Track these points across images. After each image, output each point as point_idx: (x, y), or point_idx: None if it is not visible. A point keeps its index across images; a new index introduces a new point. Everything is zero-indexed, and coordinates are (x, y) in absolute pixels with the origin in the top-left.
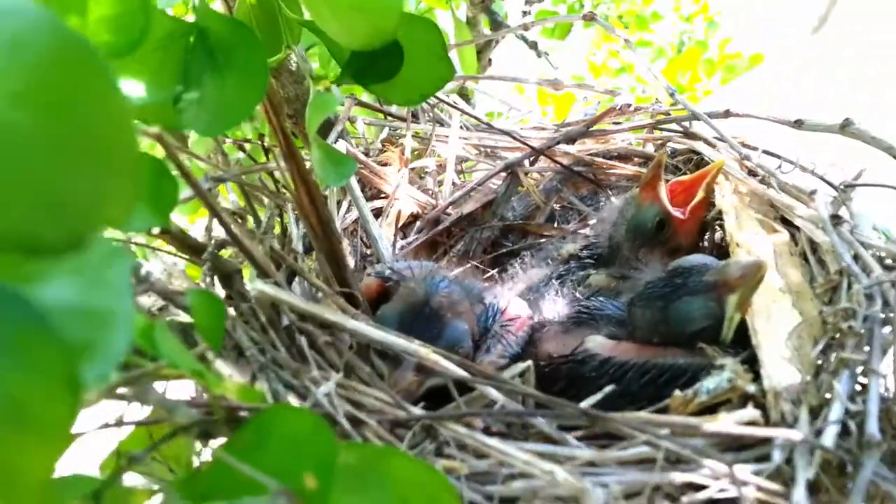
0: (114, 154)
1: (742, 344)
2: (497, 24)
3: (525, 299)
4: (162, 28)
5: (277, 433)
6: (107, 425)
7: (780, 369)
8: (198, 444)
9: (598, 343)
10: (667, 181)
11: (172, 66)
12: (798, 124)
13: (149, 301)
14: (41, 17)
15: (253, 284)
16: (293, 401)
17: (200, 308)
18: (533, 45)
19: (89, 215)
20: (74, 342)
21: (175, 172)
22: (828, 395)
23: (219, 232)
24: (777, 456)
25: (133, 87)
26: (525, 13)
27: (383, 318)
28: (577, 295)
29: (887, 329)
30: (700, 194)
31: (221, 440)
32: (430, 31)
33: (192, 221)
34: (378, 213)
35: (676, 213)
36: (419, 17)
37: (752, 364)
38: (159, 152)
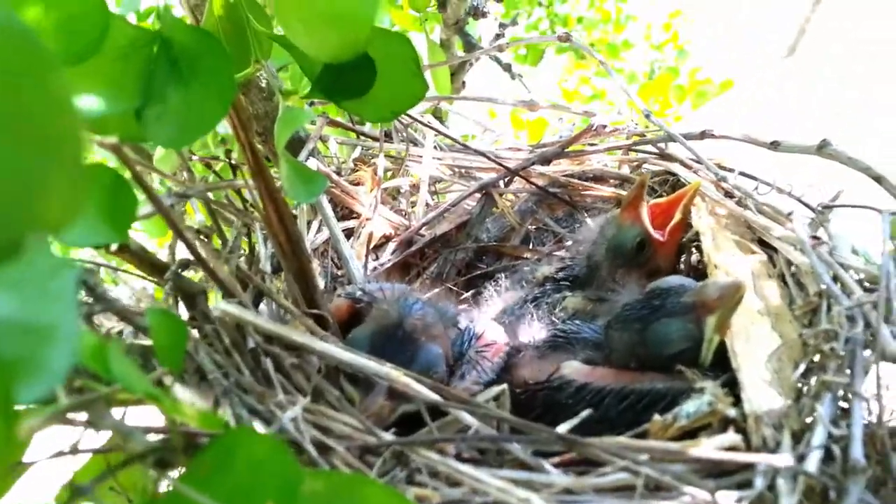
0: (56, 144)
1: (721, 367)
2: (471, 46)
3: (500, 322)
4: (123, 36)
5: (238, 458)
6: (61, 454)
7: (761, 393)
8: (158, 474)
9: (574, 369)
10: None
11: (134, 76)
12: (774, 146)
13: (108, 324)
14: None
15: (216, 304)
16: (258, 427)
17: (159, 327)
18: (507, 68)
19: (28, 215)
20: (11, 359)
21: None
22: (809, 420)
23: (183, 251)
24: (759, 482)
25: (93, 98)
26: (499, 36)
27: (354, 340)
28: (553, 318)
29: (868, 352)
30: (677, 216)
31: (181, 469)
32: (404, 45)
33: (161, 245)
34: (349, 233)
35: (657, 234)
36: (393, 32)
37: (732, 387)
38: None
